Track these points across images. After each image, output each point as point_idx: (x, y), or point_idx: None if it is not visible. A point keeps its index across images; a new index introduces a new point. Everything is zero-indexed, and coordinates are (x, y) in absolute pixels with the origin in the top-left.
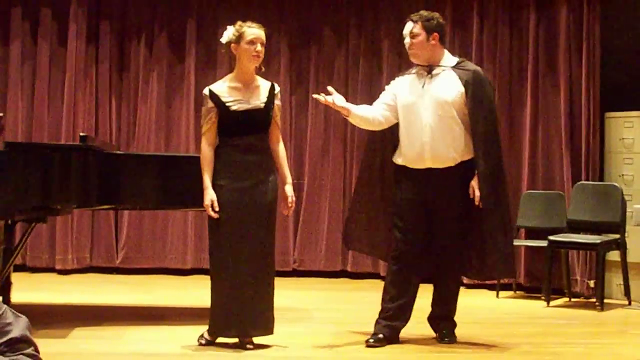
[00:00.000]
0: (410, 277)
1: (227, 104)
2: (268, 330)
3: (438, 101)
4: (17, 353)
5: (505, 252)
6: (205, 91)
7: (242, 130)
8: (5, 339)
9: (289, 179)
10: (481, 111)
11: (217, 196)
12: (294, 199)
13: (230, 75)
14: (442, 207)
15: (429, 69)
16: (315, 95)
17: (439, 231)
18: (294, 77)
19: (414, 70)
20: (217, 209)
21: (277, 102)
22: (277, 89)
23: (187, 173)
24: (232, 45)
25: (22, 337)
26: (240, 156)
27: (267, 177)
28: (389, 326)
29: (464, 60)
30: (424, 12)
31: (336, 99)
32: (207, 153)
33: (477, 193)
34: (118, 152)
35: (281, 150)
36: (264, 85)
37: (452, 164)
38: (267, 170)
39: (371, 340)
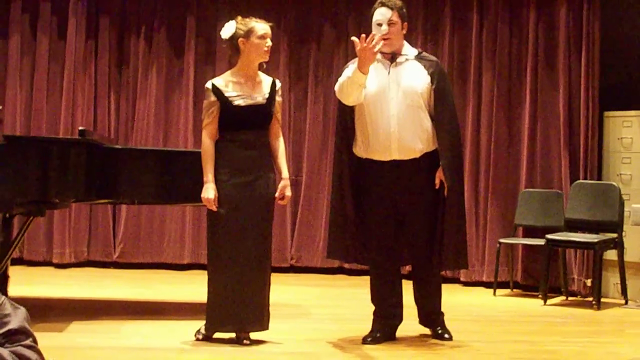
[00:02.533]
0: (394, 273)
1: (229, 99)
2: (264, 325)
3: (407, 91)
4: (16, 344)
5: (459, 244)
6: (208, 85)
7: (243, 125)
8: (3, 330)
9: (285, 174)
10: (446, 102)
11: (217, 190)
12: (286, 195)
13: (233, 70)
14: (409, 199)
15: (392, 57)
16: (354, 38)
17: (409, 224)
18: (293, 73)
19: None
20: (216, 205)
21: (279, 98)
22: (279, 84)
23: (185, 168)
24: (241, 39)
25: (20, 328)
26: (240, 151)
27: (266, 173)
28: (386, 324)
29: (423, 52)
30: (396, 1)
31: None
32: (208, 147)
33: (446, 184)
34: (117, 146)
35: (280, 146)
36: (266, 81)
37: (417, 155)
38: (267, 165)
39: (369, 339)
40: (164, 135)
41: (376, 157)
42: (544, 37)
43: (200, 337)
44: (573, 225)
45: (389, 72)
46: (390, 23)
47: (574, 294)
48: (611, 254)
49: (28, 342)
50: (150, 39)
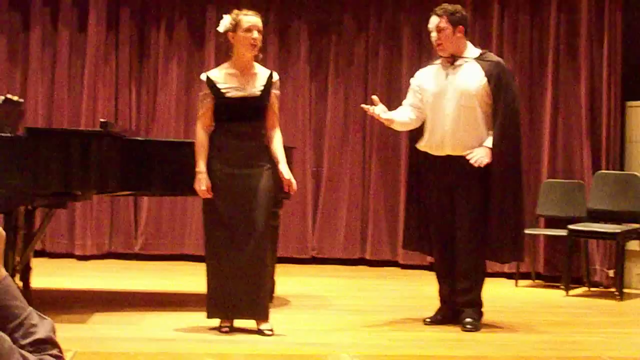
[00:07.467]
0: (451, 256)
1: (222, 91)
2: (257, 315)
3: (461, 92)
4: (42, 353)
5: (515, 237)
6: (203, 77)
7: (237, 117)
8: (30, 339)
9: (282, 158)
10: (502, 102)
11: (210, 180)
12: (289, 176)
13: (228, 62)
14: (461, 192)
15: (452, 60)
16: (363, 105)
17: (459, 216)
18: (314, 64)
19: (437, 61)
20: (210, 193)
21: (275, 91)
22: (276, 77)
23: None
24: (230, 33)
25: (47, 338)
26: (233, 142)
27: (260, 163)
28: (447, 307)
29: (486, 52)
30: (447, 6)
31: (381, 112)
32: (201, 137)
33: (477, 159)
34: (138, 138)
35: (276, 136)
36: (262, 73)
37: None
38: (261, 156)
39: (428, 320)
40: (185, 126)
41: (432, 152)
42: (565, 26)
43: (224, 329)
44: (595, 216)
45: (447, 75)
46: (439, 29)
47: (596, 285)
48: (633, 245)
49: (54, 352)
50: (170, 31)
